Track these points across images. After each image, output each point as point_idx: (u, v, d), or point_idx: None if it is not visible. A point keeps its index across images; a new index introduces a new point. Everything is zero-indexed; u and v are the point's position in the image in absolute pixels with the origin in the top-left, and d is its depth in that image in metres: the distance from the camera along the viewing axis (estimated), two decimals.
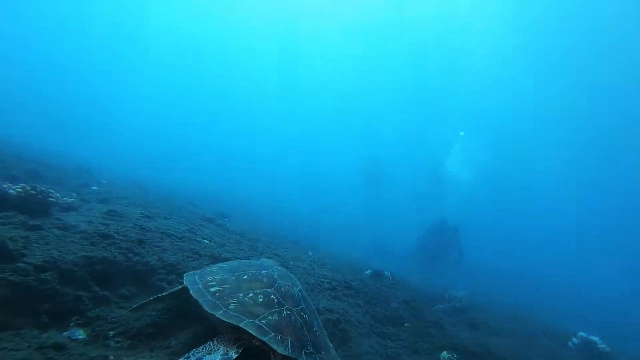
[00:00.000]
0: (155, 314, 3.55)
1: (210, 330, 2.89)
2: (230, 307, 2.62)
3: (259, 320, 2.59)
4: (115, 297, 3.63)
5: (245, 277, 3.04)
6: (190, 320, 3.29)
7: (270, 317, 2.66)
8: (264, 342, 2.45)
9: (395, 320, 6.20)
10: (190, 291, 2.80)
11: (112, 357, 2.37)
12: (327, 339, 3.36)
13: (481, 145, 41.05)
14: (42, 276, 3.16)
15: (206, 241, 5.82)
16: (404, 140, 61.72)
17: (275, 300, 2.84)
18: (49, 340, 2.63)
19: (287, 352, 2.48)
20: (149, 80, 72.24)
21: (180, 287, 3.17)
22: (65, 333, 2.95)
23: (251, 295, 2.80)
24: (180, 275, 4.11)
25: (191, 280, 3.01)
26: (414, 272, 15.14)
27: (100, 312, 3.31)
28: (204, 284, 2.92)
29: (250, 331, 2.43)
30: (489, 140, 45.20)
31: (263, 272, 3.18)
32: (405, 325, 6.15)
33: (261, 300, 2.78)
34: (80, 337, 2.99)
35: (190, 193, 15.12)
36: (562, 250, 42.52)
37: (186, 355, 2.38)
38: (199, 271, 3.25)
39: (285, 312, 2.78)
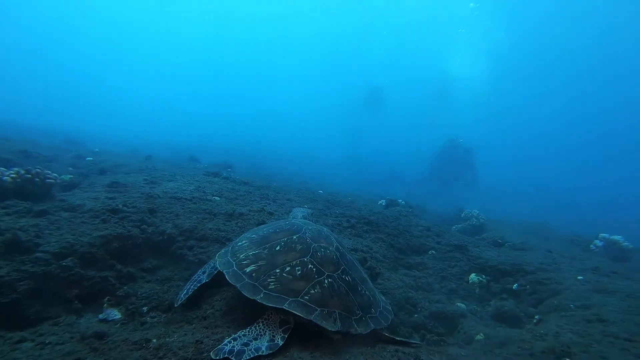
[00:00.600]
0: (183, 283, 3.49)
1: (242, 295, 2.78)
2: (270, 286, 2.50)
3: (302, 298, 2.45)
4: (139, 271, 3.60)
5: (277, 247, 2.85)
6: (220, 285, 3.20)
7: (312, 291, 2.51)
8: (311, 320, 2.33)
9: (419, 249, 6.23)
10: (227, 277, 2.66)
11: (154, 340, 2.28)
12: (370, 283, 3.31)
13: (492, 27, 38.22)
14: (64, 263, 3.12)
15: (217, 198, 5.68)
16: (401, 57, 59.10)
17: (314, 269, 2.67)
18: (89, 329, 2.64)
19: (337, 327, 2.37)
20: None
21: (216, 271, 3.05)
22: (101, 315, 2.98)
23: (288, 269, 2.63)
24: (199, 240, 4.01)
25: (225, 263, 2.85)
26: (428, 197, 15.20)
27: (129, 289, 3.30)
28: (238, 264, 2.77)
29: (296, 312, 2.33)
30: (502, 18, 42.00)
31: (294, 237, 2.95)
32: (430, 252, 6.19)
33: (299, 273, 2.61)
34: (117, 317, 3.01)
35: (191, 148, 14.81)
36: (578, 163, 42.37)
37: (233, 336, 2.34)
38: (229, 248, 3.08)
39: (327, 281, 2.62)
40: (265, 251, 2.83)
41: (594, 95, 50.49)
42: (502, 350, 2.55)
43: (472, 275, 5.53)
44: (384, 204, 9.74)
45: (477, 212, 10.78)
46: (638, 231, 11.76)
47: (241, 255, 2.86)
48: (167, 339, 2.30)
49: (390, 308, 3.29)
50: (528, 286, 5.10)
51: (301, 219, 4.07)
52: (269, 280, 2.54)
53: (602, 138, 50.67)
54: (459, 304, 4.84)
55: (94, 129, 21.89)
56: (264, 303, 2.37)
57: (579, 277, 5.08)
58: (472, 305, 4.88)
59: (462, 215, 10.88)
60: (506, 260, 5.83)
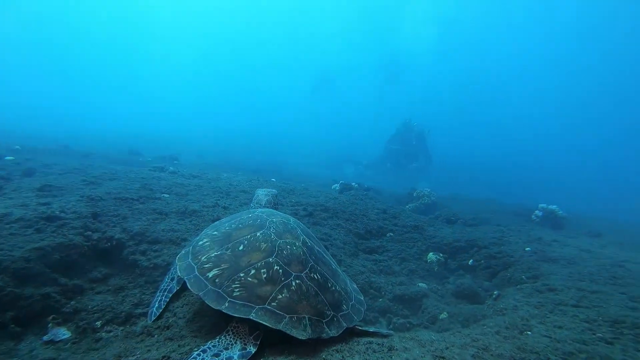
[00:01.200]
0: (138, 291, 3.24)
1: None
2: (235, 293, 2.36)
3: (269, 304, 2.32)
4: (87, 283, 3.31)
5: (241, 247, 2.69)
6: (182, 288, 3.02)
7: (280, 296, 2.38)
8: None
9: (377, 232, 6.34)
10: (189, 285, 2.47)
11: None
12: (341, 274, 3.27)
13: None
14: None
15: (166, 195, 5.35)
16: (352, 40, 59.61)
17: (281, 271, 2.53)
18: (35, 356, 2.35)
19: (307, 334, 2.27)
20: None
21: (180, 278, 2.89)
22: (46, 337, 2.73)
23: (253, 272, 2.48)
24: (152, 243, 3.75)
25: (186, 267, 2.68)
26: (382, 179, 15.56)
27: (77, 304, 3.02)
28: (200, 268, 2.59)
29: (263, 322, 2.22)
30: None
31: (258, 234, 2.79)
32: (388, 235, 6.34)
33: (265, 276, 2.47)
34: (65, 336, 2.76)
35: (132, 141, 13.87)
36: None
37: (202, 348, 2.23)
38: (190, 248, 2.90)
39: (294, 283, 2.49)
40: (229, 252, 2.67)
41: (544, 69, 53.35)
42: (470, 331, 2.63)
43: (430, 254, 5.75)
44: (337, 188, 9.80)
45: (429, 190, 11.22)
46: (571, 200, 12.90)
47: (203, 258, 2.68)
48: (129, 359, 2.11)
49: (362, 298, 3.28)
50: (482, 261, 5.41)
51: (265, 204, 3.96)
52: (233, 286, 2.40)
53: (550, 112, 54.08)
54: (420, 283, 5.01)
55: (10, 123, 19.61)
56: (230, 314, 2.25)
57: (527, 249, 5.48)
58: (432, 284, 5.08)
59: (414, 194, 11.26)
60: (461, 237, 6.13)
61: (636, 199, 20.58)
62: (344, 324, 2.57)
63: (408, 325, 3.99)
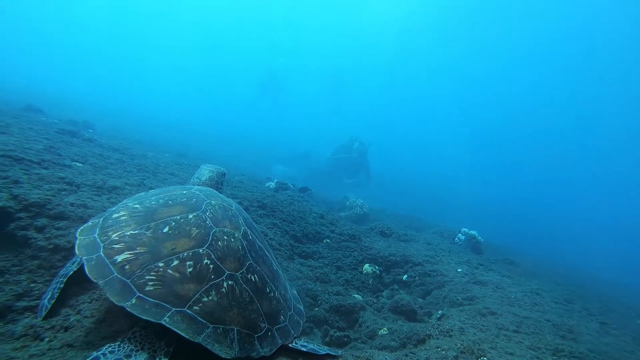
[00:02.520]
0: (26, 277, 2.56)
1: None
2: (147, 288, 1.86)
3: (190, 308, 1.87)
4: None
5: (166, 229, 2.17)
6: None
7: (205, 299, 1.95)
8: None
9: (314, 237, 6.13)
10: (87, 269, 1.91)
11: None
12: (282, 275, 2.90)
13: None
14: None
15: (79, 164, 4.52)
16: (301, 45, 59.98)
17: (212, 266, 2.08)
18: None
19: (234, 353, 1.89)
20: None
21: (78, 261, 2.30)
22: None
23: (176, 263, 1.99)
24: (54, 219, 3.05)
25: (88, 244, 2.07)
26: (314, 183, 15.44)
27: None
28: (107, 247, 2.03)
29: (178, 331, 1.77)
30: None
31: (190, 217, 2.30)
32: (325, 241, 6.16)
33: (191, 270, 2.00)
34: None
35: (33, 99, 11.92)
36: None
37: (93, 355, 1.73)
38: (100, 219, 2.29)
39: (226, 285, 2.07)
40: (149, 233, 2.14)
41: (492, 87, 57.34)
42: (428, 354, 2.49)
43: (366, 266, 5.67)
44: (273, 186, 9.43)
45: (361, 201, 11.42)
46: (489, 227, 14.06)
47: (114, 235, 2.11)
48: None
49: (301, 308, 2.96)
50: (417, 277, 5.46)
51: (207, 181, 3.44)
52: (147, 277, 1.90)
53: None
54: (355, 295, 4.87)
55: None
56: (136, 315, 1.76)
57: (459, 270, 5.68)
58: (367, 296, 4.98)
59: (347, 203, 11.37)
60: (396, 252, 6.17)
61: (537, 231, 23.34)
62: (279, 341, 2.22)
63: (345, 339, 3.78)
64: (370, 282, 5.43)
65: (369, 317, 4.29)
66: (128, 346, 1.78)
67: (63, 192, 3.49)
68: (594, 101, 46.15)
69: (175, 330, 1.76)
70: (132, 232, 2.13)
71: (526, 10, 42.54)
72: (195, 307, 1.88)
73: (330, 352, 2.36)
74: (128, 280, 1.87)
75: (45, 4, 60.07)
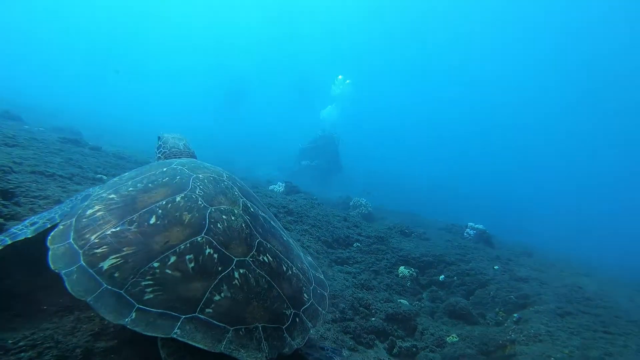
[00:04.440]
0: None
1: None
2: (147, 297, 1.54)
3: (202, 312, 1.57)
4: None
5: (152, 220, 1.79)
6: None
7: (217, 297, 1.63)
8: None
9: (344, 242, 5.96)
10: (69, 286, 1.54)
11: None
12: (295, 247, 2.47)
13: None
14: None
15: (103, 176, 4.14)
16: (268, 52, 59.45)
17: (216, 255, 1.74)
18: None
19: (264, 355, 1.61)
20: None
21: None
22: None
23: (173, 260, 1.65)
24: None
25: (64, 253, 1.68)
26: (308, 185, 15.27)
27: None
28: (87, 254, 1.65)
29: (195, 343, 1.48)
30: None
31: (178, 199, 1.92)
32: (355, 245, 6.00)
33: (193, 265, 1.66)
34: None
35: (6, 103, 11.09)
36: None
37: None
38: (71, 222, 1.85)
39: (237, 275, 1.74)
40: (133, 227, 1.76)
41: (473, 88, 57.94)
42: None
43: (402, 268, 5.56)
44: (282, 190, 9.18)
45: (365, 200, 11.36)
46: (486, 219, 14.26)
47: (92, 237, 1.72)
48: None
49: (321, 277, 2.49)
50: (455, 277, 5.40)
51: (184, 150, 2.91)
52: (143, 283, 1.57)
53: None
54: (400, 300, 4.75)
55: None
56: (140, 332, 1.46)
57: (495, 267, 5.66)
58: (412, 300, 4.87)
59: (351, 203, 11.26)
60: (427, 252, 6.09)
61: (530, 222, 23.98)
62: (309, 325, 1.91)
63: (414, 349, 3.65)
64: (408, 285, 5.32)
65: (426, 323, 4.18)
66: None
67: None
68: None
69: (190, 342, 1.47)
70: (114, 229, 1.75)
71: None
72: (207, 310, 1.57)
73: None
74: (121, 291, 1.53)
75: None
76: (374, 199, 12.94)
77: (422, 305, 4.79)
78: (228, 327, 1.55)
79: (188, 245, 1.70)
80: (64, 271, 1.57)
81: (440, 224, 11.15)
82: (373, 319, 4.08)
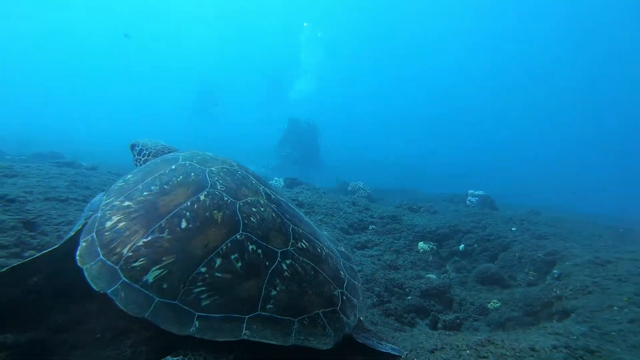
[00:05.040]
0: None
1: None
2: (204, 303, 1.53)
3: (263, 309, 1.57)
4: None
5: (183, 224, 1.72)
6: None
7: (274, 292, 1.63)
8: None
9: (359, 226, 5.90)
10: (121, 304, 1.50)
11: None
12: (312, 224, 2.44)
13: None
14: None
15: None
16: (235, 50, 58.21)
17: (259, 250, 1.72)
18: None
19: (331, 339, 1.62)
20: None
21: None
22: None
23: (219, 263, 1.61)
24: None
25: (101, 271, 1.61)
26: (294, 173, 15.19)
27: None
28: (125, 269, 1.59)
29: (266, 340, 1.49)
30: None
31: (202, 197, 1.84)
32: (371, 228, 5.93)
33: (240, 264, 1.64)
34: None
35: None
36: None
37: None
38: (93, 235, 1.77)
39: (285, 266, 1.73)
40: (166, 235, 1.68)
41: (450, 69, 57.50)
42: (598, 316, 2.36)
43: (421, 244, 5.52)
44: (282, 184, 9.03)
45: (362, 183, 11.33)
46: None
47: (125, 251, 1.64)
48: None
49: (341, 248, 2.56)
50: (475, 245, 5.39)
51: (166, 146, 2.76)
52: (196, 290, 1.54)
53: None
54: (428, 275, 4.72)
55: None
56: (210, 339, 1.45)
57: (513, 229, 5.68)
58: (438, 274, 4.85)
59: (349, 188, 11.21)
60: (441, 225, 6.07)
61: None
62: (354, 301, 1.95)
63: (458, 321, 3.62)
64: (430, 260, 5.29)
65: (461, 293, 4.15)
66: None
67: None
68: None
69: (261, 340, 1.48)
70: (145, 239, 1.67)
71: None
72: (268, 306, 1.58)
73: (393, 352, 1.94)
74: (176, 302, 1.51)
75: None
76: (368, 181, 12.94)
77: (450, 277, 4.77)
78: (292, 319, 1.58)
79: (229, 244, 1.67)
80: (109, 290, 1.53)
81: (442, 196, 11.20)
82: (409, 297, 4.03)
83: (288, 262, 1.74)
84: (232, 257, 1.63)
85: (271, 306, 1.57)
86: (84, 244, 1.75)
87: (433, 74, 57.06)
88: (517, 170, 35.22)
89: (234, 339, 1.44)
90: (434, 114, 55.91)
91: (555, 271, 3.74)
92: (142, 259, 1.60)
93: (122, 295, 1.51)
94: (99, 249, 1.69)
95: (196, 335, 1.43)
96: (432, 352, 1.95)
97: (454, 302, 4.05)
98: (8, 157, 8.19)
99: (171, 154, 2.45)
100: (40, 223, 2.60)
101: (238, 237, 1.70)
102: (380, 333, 2.61)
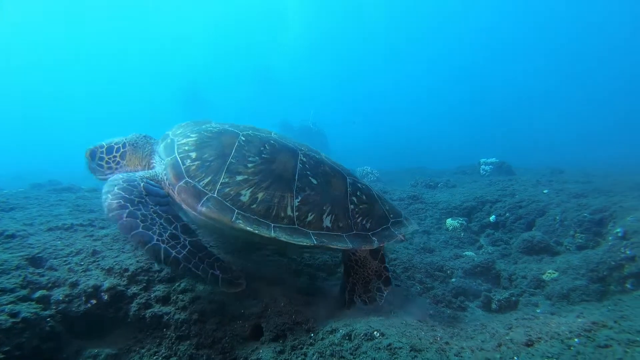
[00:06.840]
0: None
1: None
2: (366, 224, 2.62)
3: (403, 217, 2.88)
4: None
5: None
6: None
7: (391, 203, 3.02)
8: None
9: None
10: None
11: None
12: None
13: None
14: None
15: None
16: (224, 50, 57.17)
17: (369, 194, 2.86)
18: None
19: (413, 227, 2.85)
20: None
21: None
22: None
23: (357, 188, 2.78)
24: (169, 282, 2.26)
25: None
26: None
27: None
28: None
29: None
30: None
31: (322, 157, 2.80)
32: None
33: (371, 197, 2.85)
34: None
35: None
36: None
37: None
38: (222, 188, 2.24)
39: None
40: (278, 193, 2.32)
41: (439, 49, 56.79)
42: None
43: (449, 221, 5.22)
44: None
45: (370, 168, 11.05)
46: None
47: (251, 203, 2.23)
48: None
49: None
50: (507, 214, 5.07)
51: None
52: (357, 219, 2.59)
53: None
54: (465, 253, 4.42)
55: None
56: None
57: (545, 191, 5.36)
58: (474, 250, 4.55)
59: (358, 174, 10.89)
60: (465, 198, 5.75)
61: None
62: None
63: (513, 298, 3.32)
64: (462, 236, 4.99)
65: (507, 267, 3.85)
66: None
67: None
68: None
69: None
70: (261, 193, 2.26)
71: None
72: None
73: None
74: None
75: None
76: (373, 163, 12.65)
77: (488, 251, 4.47)
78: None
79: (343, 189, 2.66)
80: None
81: (452, 170, 10.89)
82: (453, 279, 3.73)
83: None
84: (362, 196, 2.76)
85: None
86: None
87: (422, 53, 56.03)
88: (519, 135, 34.87)
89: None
90: (423, 90, 55.41)
91: (618, 230, 3.41)
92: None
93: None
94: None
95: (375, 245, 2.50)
96: (527, 345, 1.64)
97: (501, 278, 3.75)
98: (5, 191, 7.82)
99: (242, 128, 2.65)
100: (46, 257, 2.28)
101: (351, 179, 2.81)
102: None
